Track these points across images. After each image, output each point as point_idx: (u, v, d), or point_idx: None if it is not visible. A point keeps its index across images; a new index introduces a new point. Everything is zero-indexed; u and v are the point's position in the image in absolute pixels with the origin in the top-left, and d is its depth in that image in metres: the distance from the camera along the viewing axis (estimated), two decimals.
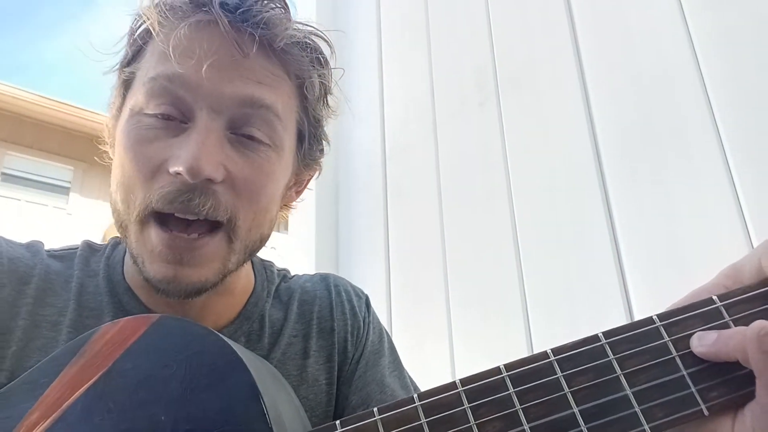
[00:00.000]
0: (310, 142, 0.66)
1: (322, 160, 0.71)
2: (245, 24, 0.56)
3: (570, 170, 1.14)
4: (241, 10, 0.57)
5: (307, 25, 0.63)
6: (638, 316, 0.79)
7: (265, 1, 0.59)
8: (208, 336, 0.49)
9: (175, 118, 0.56)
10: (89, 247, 0.67)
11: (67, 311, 0.59)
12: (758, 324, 0.35)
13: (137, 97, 0.57)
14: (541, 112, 1.22)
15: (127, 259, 0.64)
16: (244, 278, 0.69)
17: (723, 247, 0.92)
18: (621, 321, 0.97)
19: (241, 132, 0.57)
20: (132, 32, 0.60)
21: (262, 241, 0.63)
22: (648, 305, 0.99)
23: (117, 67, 0.61)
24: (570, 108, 1.17)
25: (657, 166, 1.03)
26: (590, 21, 1.18)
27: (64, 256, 0.65)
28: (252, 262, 0.73)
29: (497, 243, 1.22)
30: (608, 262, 1.05)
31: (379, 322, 0.77)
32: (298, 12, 0.63)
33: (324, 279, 0.76)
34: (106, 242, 0.68)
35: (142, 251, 0.56)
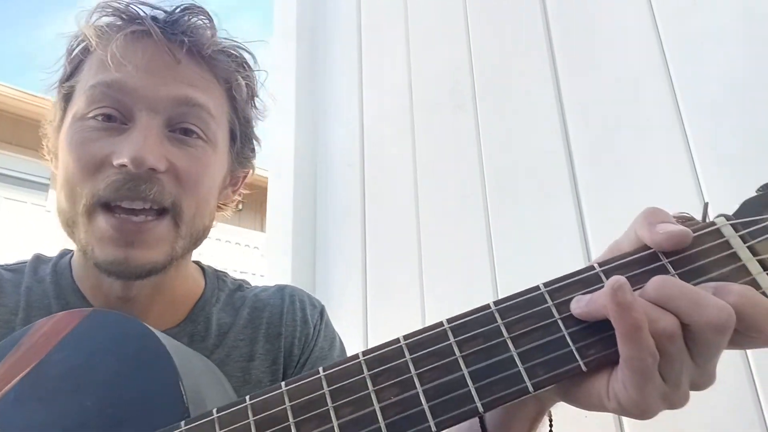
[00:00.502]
0: (242, 141, 0.72)
1: (254, 160, 0.77)
2: (175, 34, 0.63)
3: (543, 174, 1.18)
4: (170, 21, 0.64)
5: (231, 39, 0.69)
6: None
7: (192, 14, 0.66)
8: (136, 326, 0.52)
9: (116, 119, 0.61)
10: (38, 258, 0.72)
11: (18, 311, 0.63)
12: (613, 278, 0.38)
13: (78, 105, 0.62)
14: (516, 116, 1.26)
15: (75, 261, 0.69)
16: (192, 284, 0.73)
17: None
18: None
19: (178, 128, 0.63)
20: (70, 51, 0.66)
21: (205, 231, 0.68)
22: None
23: (56, 84, 0.67)
24: (544, 113, 1.20)
25: (627, 170, 1.06)
26: (564, 28, 1.23)
27: (15, 269, 0.69)
28: (204, 271, 0.77)
29: (472, 244, 1.24)
30: (578, 263, 1.08)
31: (333, 332, 0.80)
32: (223, 26, 0.70)
33: (280, 289, 0.79)
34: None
35: (91, 239, 0.59)
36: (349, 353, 1.31)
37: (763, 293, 0.40)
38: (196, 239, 0.67)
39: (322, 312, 0.79)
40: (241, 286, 0.80)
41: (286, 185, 1.60)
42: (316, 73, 1.75)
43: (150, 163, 0.58)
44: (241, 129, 0.72)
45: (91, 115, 0.61)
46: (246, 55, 0.72)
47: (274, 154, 1.67)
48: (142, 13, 0.64)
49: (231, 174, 0.74)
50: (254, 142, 0.76)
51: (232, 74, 0.68)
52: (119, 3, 0.64)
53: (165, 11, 0.65)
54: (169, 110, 0.62)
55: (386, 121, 1.52)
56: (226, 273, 0.80)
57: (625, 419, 0.96)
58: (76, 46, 0.65)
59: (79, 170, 0.60)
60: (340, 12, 1.76)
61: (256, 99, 0.75)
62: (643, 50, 1.09)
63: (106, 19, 0.64)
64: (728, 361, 0.86)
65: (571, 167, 1.14)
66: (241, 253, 8.33)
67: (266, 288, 0.80)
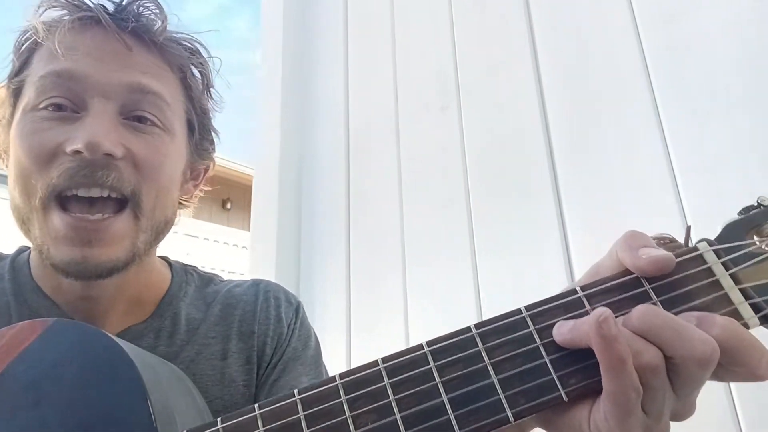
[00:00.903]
0: (200, 133, 0.70)
1: (214, 153, 0.75)
2: (124, 20, 0.60)
3: (526, 176, 1.18)
4: (119, 9, 0.62)
5: (181, 32, 0.68)
6: None
7: (142, 2, 0.63)
8: (100, 338, 0.50)
9: (67, 108, 0.58)
10: None
11: None
12: (598, 310, 0.37)
13: (28, 97, 0.59)
14: (500, 117, 1.26)
15: (33, 259, 0.66)
16: (157, 278, 0.71)
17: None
18: None
19: (132, 115, 0.60)
20: (18, 46, 0.63)
21: (167, 224, 0.65)
22: None
23: (5, 81, 0.63)
24: (527, 114, 1.21)
25: (609, 172, 1.07)
26: (548, 31, 1.23)
27: None
28: (170, 266, 0.75)
29: (455, 243, 1.25)
30: (559, 266, 1.09)
31: (308, 330, 0.78)
32: (174, 12, 0.68)
33: (255, 285, 0.77)
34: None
35: (45, 238, 0.56)
36: (333, 353, 1.33)
37: (745, 324, 0.40)
38: (158, 232, 0.64)
39: (297, 309, 0.77)
40: (212, 279, 0.77)
41: (271, 185, 1.58)
42: (302, 72, 1.73)
43: (105, 147, 0.56)
44: (199, 120, 0.70)
45: (42, 105, 0.58)
46: (198, 46, 0.69)
47: (260, 154, 1.65)
48: (90, 3, 0.61)
49: (191, 167, 0.71)
50: (213, 133, 0.74)
51: (185, 62, 0.67)
52: None
53: (113, 1, 0.63)
54: (122, 97, 0.59)
55: (371, 121, 1.51)
56: (195, 267, 0.78)
57: None
58: (24, 41, 0.62)
59: (31, 161, 0.57)
60: (327, 12, 1.74)
61: (211, 89, 0.72)
62: (625, 56, 1.10)
63: (53, 12, 0.61)
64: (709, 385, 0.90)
65: (553, 169, 1.15)
66: (229, 252, 8.27)
67: (240, 283, 0.77)
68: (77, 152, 0.55)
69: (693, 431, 0.86)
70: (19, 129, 0.59)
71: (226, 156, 8.78)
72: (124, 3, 0.63)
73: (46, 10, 0.61)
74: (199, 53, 0.69)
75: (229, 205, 10.04)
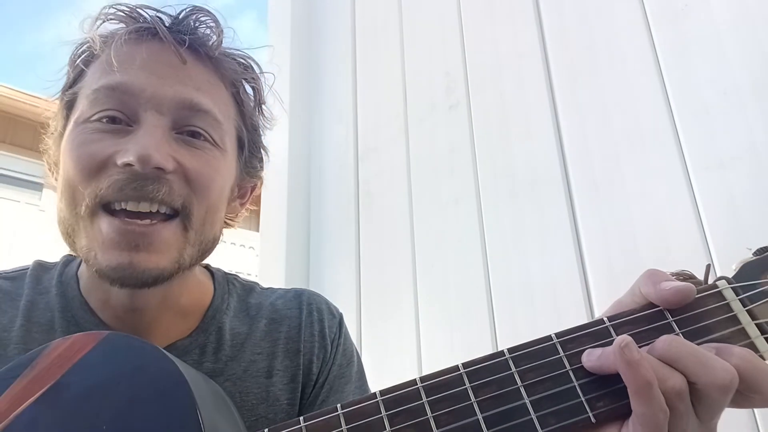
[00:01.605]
0: (250, 150, 0.70)
1: (262, 171, 0.75)
2: (180, 33, 0.61)
3: (536, 174, 1.20)
4: (176, 22, 0.62)
5: (236, 49, 0.68)
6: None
7: (198, 16, 0.64)
8: (153, 352, 0.52)
9: (121, 121, 0.58)
10: (40, 266, 0.69)
11: (13, 328, 0.61)
12: (620, 338, 0.41)
13: (81, 109, 0.60)
14: (509, 116, 1.27)
15: (81, 272, 0.66)
16: (200, 291, 0.71)
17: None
18: (581, 321, 1.03)
19: (185, 130, 0.60)
20: (73, 59, 0.64)
21: (214, 242, 0.65)
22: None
23: (59, 93, 0.64)
24: (536, 113, 1.22)
25: (620, 171, 1.09)
26: (558, 29, 1.25)
27: (14, 276, 0.67)
28: (213, 276, 0.75)
29: (465, 244, 1.26)
30: (571, 264, 1.10)
31: (350, 344, 0.77)
32: (229, 25, 0.69)
33: (297, 296, 0.76)
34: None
35: (93, 244, 0.56)
36: None
37: (762, 356, 0.43)
38: (205, 249, 0.64)
39: (340, 323, 0.76)
40: (253, 288, 0.77)
41: (280, 185, 1.59)
42: (311, 73, 1.75)
43: (156, 160, 0.55)
44: (249, 137, 0.70)
45: (94, 117, 0.59)
46: (251, 62, 0.70)
47: (268, 154, 1.67)
48: (147, 15, 0.62)
49: (239, 184, 0.71)
50: (262, 151, 0.74)
51: (238, 79, 0.67)
52: (123, 7, 0.62)
53: (170, 15, 0.64)
54: (175, 112, 0.59)
55: (380, 121, 1.53)
56: (237, 276, 0.78)
57: None
58: (80, 54, 0.63)
59: (79, 171, 0.57)
60: (335, 12, 1.76)
61: (263, 106, 0.72)
62: (636, 52, 1.11)
63: (110, 25, 0.62)
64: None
65: (564, 168, 1.16)
66: (236, 253, 8.25)
67: (283, 294, 0.77)
68: (128, 165, 0.55)
69: None
70: (71, 140, 0.59)
71: None
72: (181, 16, 0.63)
73: (103, 22, 0.62)
74: (252, 69, 0.69)
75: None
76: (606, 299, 1.02)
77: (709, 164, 0.99)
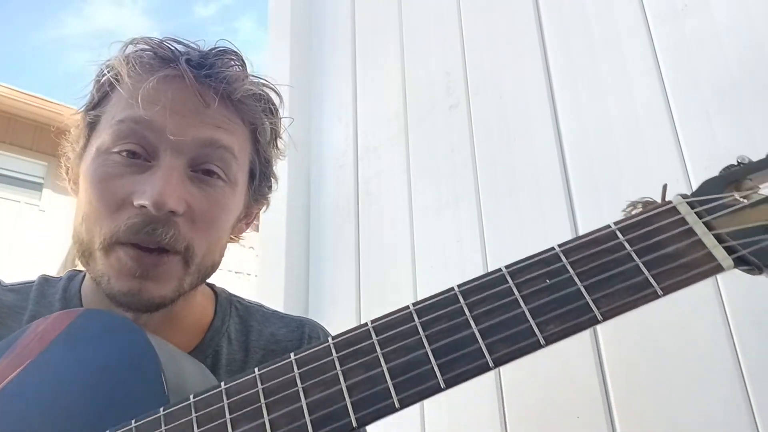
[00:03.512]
0: (260, 180, 0.74)
1: (270, 196, 0.79)
2: (208, 78, 0.64)
3: (536, 174, 1.18)
4: (205, 66, 0.64)
5: (260, 78, 0.71)
6: None
7: (226, 60, 0.66)
8: (124, 323, 0.54)
9: (140, 156, 0.61)
10: (45, 281, 0.72)
11: None
12: None
13: (103, 137, 0.63)
14: (509, 116, 1.27)
15: (85, 289, 0.69)
16: (201, 312, 0.73)
17: None
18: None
19: (200, 169, 0.63)
20: (99, 79, 0.67)
21: (213, 267, 0.68)
22: None
23: (82, 109, 0.68)
24: (536, 112, 1.21)
25: (620, 171, 1.07)
26: (558, 29, 1.24)
27: (19, 289, 0.70)
28: (216, 297, 0.77)
29: (465, 244, 1.24)
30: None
31: None
32: (253, 66, 0.71)
33: (300, 327, 0.78)
34: (62, 273, 0.74)
35: (108, 270, 0.60)
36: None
37: (719, 266, 0.41)
38: (205, 275, 0.67)
39: None
40: (257, 312, 0.78)
41: (279, 185, 1.60)
42: (311, 72, 1.76)
43: (170, 206, 0.59)
44: (261, 169, 0.73)
45: (116, 150, 0.61)
46: (274, 97, 0.73)
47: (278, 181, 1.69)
48: (176, 53, 0.64)
49: (246, 210, 0.74)
50: (272, 180, 0.77)
51: (258, 118, 0.69)
52: (153, 40, 0.65)
53: (199, 51, 0.66)
54: (193, 151, 0.62)
55: (380, 120, 1.53)
56: (240, 298, 0.80)
57: (617, 419, 0.95)
58: (106, 76, 0.65)
59: (101, 207, 0.60)
60: (335, 13, 1.78)
61: (278, 140, 0.76)
62: (636, 53, 1.10)
63: (139, 55, 0.64)
64: (720, 361, 0.86)
65: (564, 168, 1.15)
66: (235, 252, 8.18)
67: (287, 323, 0.78)
68: (143, 206, 0.58)
69: (705, 399, 0.85)
70: (93, 169, 0.62)
71: None
72: (210, 57, 0.65)
73: (133, 52, 0.64)
74: (272, 111, 0.72)
75: None
76: None
77: (708, 164, 0.96)
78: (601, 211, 1.07)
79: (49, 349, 0.54)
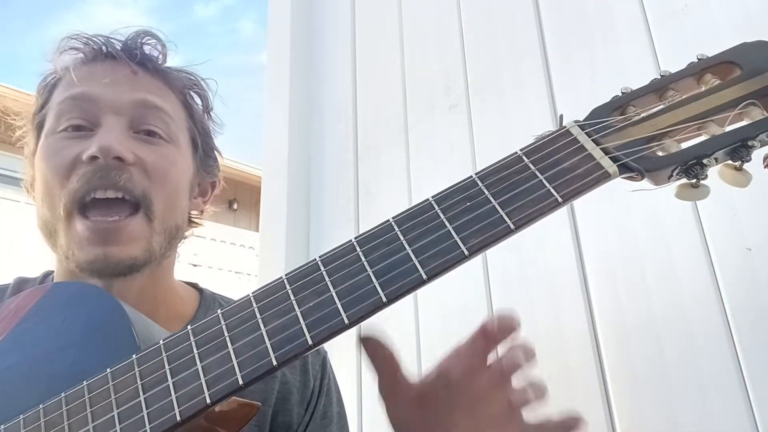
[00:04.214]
0: (204, 150, 0.78)
1: (220, 173, 0.83)
2: (131, 50, 0.72)
3: None
4: (129, 44, 0.73)
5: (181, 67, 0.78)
6: None
7: (147, 39, 0.74)
8: (93, 289, 0.58)
9: (85, 128, 0.68)
10: (22, 281, 0.75)
11: None
12: None
13: (49, 123, 0.69)
14: (509, 116, 1.27)
15: (58, 274, 0.71)
16: (179, 305, 0.76)
17: None
18: (581, 321, 1.03)
19: (141, 129, 0.69)
20: (41, 87, 0.74)
21: (178, 230, 0.72)
22: None
23: (30, 118, 0.74)
24: (536, 112, 1.22)
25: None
26: (558, 29, 1.25)
27: None
28: (201, 292, 0.80)
29: None
30: (571, 265, 1.08)
31: (333, 381, 0.81)
32: (177, 47, 0.78)
33: None
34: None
35: (71, 244, 0.64)
36: (343, 364, 1.32)
37: (606, 173, 0.48)
38: (171, 237, 0.71)
39: (324, 362, 0.80)
40: None
41: (279, 185, 1.60)
42: (311, 72, 1.77)
43: (117, 150, 0.64)
44: (201, 138, 0.78)
45: (61, 128, 0.67)
46: (196, 78, 0.79)
47: (268, 154, 1.68)
48: (101, 39, 0.72)
49: (199, 181, 0.78)
50: (216, 153, 0.82)
51: (185, 87, 0.76)
52: (80, 36, 0.72)
53: (119, 40, 0.73)
54: (131, 112, 0.68)
55: (380, 121, 1.54)
56: (225, 297, 0.82)
57: (617, 419, 0.97)
58: (47, 82, 0.73)
59: (54, 176, 0.65)
60: (335, 12, 1.78)
61: (212, 113, 0.81)
62: (636, 53, 1.11)
63: (70, 54, 0.71)
64: (720, 361, 0.88)
65: None
66: (235, 253, 8.29)
67: None
68: (93, 158, 0.64)
69: (705, 402, 0.88)
70: (43, 152, 0.68)
71: (232, 156, 8.54)
72: (129, 39, 0.73)
73: (64, 52, 0.71)
74: (197, 81, 0.78)
75: (235, 206, 9.69)
76: (605, 298, 1.03)
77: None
78: (600, 212, 1.08)
79: (23, 321, 0.57)
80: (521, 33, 1.30)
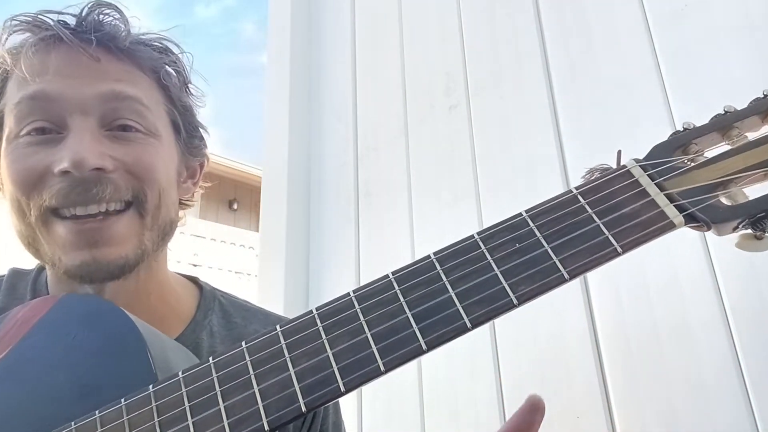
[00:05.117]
0: (187, 131, 0.71)
1: (206, 149, 0.75)
2: (86, 33, 0.61)
3: (536, 174, 1.19)
4: (79, 22, 0.62)
5: (148, 32, 0.68)
6: None
7: (101, 11, 0.63)
8: (105, 305, 0.55)
9: (50, 131, 0.59)
10: (16, 273, 0.70)
11: None
12: None
13: (9, 126, 0.60)
14: (509, 117, 1.26)
15: (51, 279, 0.67)
16: (176, 302, 0.71)
17: None
18: (581, 322, 1.03)
19: (114, 125, 0.61)
20: None
21: (172, 224, 0.67)
22: None
23: None
24: (536, 112, 1.21)
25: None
26: (558, 29, 1.24)
27: None
28: (201, 292, 0.75)
29: None
30: (575, 279, 1.08)
31: None
32: (140, 20, 0.67)
33: None
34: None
35: (55, 249, 0.58)
36: None
37: (671, 224, 0.45)
38: (165, 233, 0.65)
39: None
40: (239, 308, 0.76)
41: (279, 185, 1.59)
42: (311, 72, 1.75)
43: (92, 162, 0.57)
44: (183, 118, 0.70)
45: (23, 132, 0.59)
46: (167, 43, 0.69)
47: (268, 154, 1.67)
48: (50, 21, 0.61)
49: (186, 165, 0.72)
50: (201, 129, 0.74)
51: (157, 62, 0.66)
52: (26, 16, 0.62)
53: (73, 15, 0.63)
54: (99, 108, 0.60)
55: (380, 121, 1.53)
56: (226, 293, 0.78)
57: (617, 419, 0.97)
58: None
59: (19, 187, 0.58)
60: (335, 12, 1.76)
61: (189, 85, 0.72)
62: (636, 53, 1.10)
63: (16, 37, 0.62)
64: (720, 361, 0.88)
65: (564, 168, 1.16)
66: (235, 253, 8.31)
67: (273, 320, 0.76)
68: (65, 172, 0.56)
69: (706, 404, 0.87)
70: (5, 158, 0.60)
71: (232, 156, 8.55)
72: (83, 14, 0.62)
73: (9, 35, 0.61)
74: (170, 51, 0.69)
75: (235, 206, 9.82)
76: (605, 298, 1.03)
77: None
78: None
79: (30, 334, 0.54)
80: (521, 33, 1.29)
